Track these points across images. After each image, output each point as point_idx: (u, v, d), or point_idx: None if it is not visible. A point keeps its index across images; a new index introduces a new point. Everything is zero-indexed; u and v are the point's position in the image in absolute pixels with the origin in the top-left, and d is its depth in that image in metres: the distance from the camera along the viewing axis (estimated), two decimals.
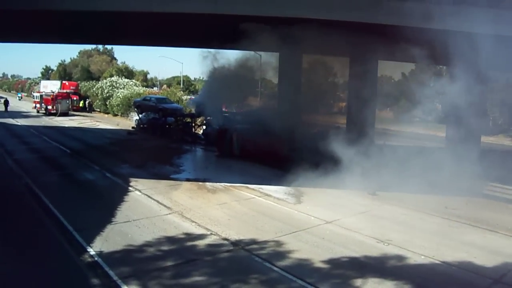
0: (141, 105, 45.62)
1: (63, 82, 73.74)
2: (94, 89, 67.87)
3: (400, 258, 13.49)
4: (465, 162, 19.29)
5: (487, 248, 14.37)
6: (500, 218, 17.69)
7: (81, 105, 67.05)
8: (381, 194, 20.56)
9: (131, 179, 22.39)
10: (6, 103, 65.38)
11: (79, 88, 71.79)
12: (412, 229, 16.18)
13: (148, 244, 13.85)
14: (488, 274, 12.55)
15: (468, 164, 19.28)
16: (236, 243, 14.27)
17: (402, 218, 17.67)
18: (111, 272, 11.80)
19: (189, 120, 39.55)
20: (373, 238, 15.08)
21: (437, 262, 13.22)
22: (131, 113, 52.71)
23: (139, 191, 20.35)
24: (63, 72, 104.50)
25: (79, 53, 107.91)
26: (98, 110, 66.02)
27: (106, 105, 62.93)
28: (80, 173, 24.02)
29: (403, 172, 19.19)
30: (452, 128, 24.83)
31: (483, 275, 12.49)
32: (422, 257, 13.52)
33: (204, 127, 38.11)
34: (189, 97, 57.48)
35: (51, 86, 67.47)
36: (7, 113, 59.62)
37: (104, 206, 17.97)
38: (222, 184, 22.18)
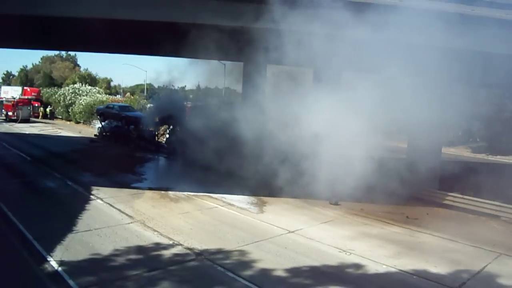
0: (104, 112, 45.11)
1: (25, 88, 72.52)
2: (56, 95, 66.96)
3: (361, 267, 13.65)
4: (424, 172, 19.61)
5: (447, 257, 14.65)
6: (460, 228, 18.03)
7: (47, 111, 66.15)
8: (343, 204, 20.76)
9: (93, 187, 22.13)
10: None
11: (41, 94, 70.77)
12: (373, 238, 16.40)
13: (110, 254, 13.70)
14: (449, 283, 12.81)
15: (427, 174, 19.62)
16: (199, 253, 14.24)
17: (363, 227, 17.88)
18: (71, 282, 11.64)
19: (151, 128, 39.34)
20: (335, 247, 15.23)
21: (397, 271, 13.41)
22: (94, 121, 52.19)
23: (101, 199, 20.14)
24: (25, 78, 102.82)
25: (41, 59, 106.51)
26: (60, 117, 65.16)
27: (68, 112, 62.14)
28: (40, 181, 23.64)
29: (364, 182, 19.39)
30: (413, 139, 25.17)
31: (444, 284, 12.75)
32: (384, 266, 13.71)
33: (168, 135, 37.95)
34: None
35: (12, 92, 66.35)
36: None
37: (65, 214, 17.71)
38: (185, 193, 22.10)
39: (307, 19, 17.04)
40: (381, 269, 13.55)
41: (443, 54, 16.95)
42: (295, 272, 13.08)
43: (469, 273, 13.55)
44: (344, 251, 14.90)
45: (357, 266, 13.72)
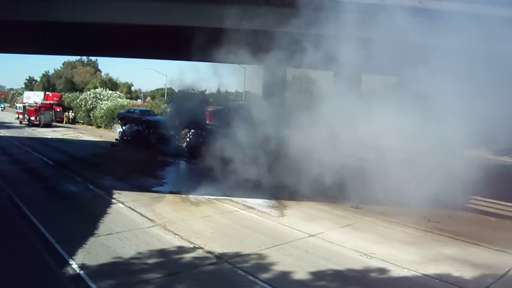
0: (125, 117, 45.36)
1: (47, 93, 73.28)
2: (77, 100, 67.52)
3: (383, 271, 13.53)
4: (447, 175, 19.39)
5: (470, 261, 14.45)
6: (482, 231, 17.81)
7: (71, 116, 66.81)
8: (364, 207, 20.63)
9: (114, 191, 22.27)
10: None
11: (62, 99, 71.43)
12: (395, 242, 16.24)
13: (131, 257, 13.77)
14: (472, 287, 12.63)
15: (450, 177, 19.40)
16: (219, 256, 14.24)
17: (385, 231, 17.74)
18: (93, 285, 11.71)
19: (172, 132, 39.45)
20: (356, 251, 15.12)
21: (419, 275, 13.27)
22: (115, 125, 52.45)
23: (122, 203, 20.25)
24: (47, 83, 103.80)
25: (63, 64, 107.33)
26: (82, 121, 65.67)
27: (89, 116, 62.61)
28: (62, 185, 23.84)
29: (385, 185, 19.24)
30: (434, 140, 24.94)
31: None
32: (405, 270, 13.57)
33: (188, 139, 38.03)
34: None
35: (34, 97, 67.10)
36: None
37: (87, 218, 17.85)
38: (206, 196, 22.15)
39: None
40: (403, 273, 13.41)
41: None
42: (316, 275, 13.01)
43: (493, 277, 13.34)
44: (366, 254, 14.79)
45: (379, 270, 13.60)
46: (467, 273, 13.43)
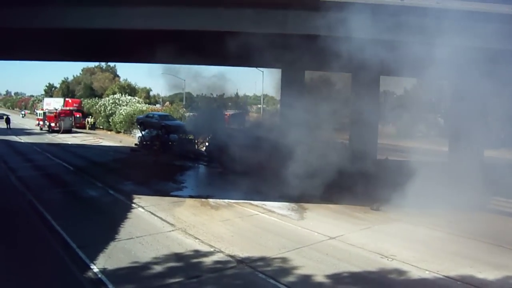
0: (144, 122, 45.52)
1: (66, 99, 74.02)
2: (97, 106, 68.07)
3: (404, 273, 13.45)
4: (468, 176, 19.25)
5: (492, 263, 14.29)
6: (505, 232, 17.63)
7: (90, 122, 67.48)
8: (385, 209, 20.52)
9: (134, 196, 22.39)
10: (7, 120, 65.55)
11: (82, 105, 72.06)
12: (416, 244, 16.10)
13: (151, 261, 13.83)
14: None
15: (471, 178, 19.24)
16: (240, 260, 14.25)
17: (406, 233, 17.60)
18: None
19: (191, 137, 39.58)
20: (377, 253, 15.05)
21: (441, 277, 13.17)
22: (134, 130, 52.75)
23: (142, 208, 20.35)
24: (66, 90, 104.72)
25: (82, 70, 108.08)
26: (101, 127, 66.14)
27: (109, 122, 63.05)
28: (83, 190, 24.05)
29: (406, 187, 19.13)
30: (454, 142, 24.82)
31: None
32: (427, 272, 13.48)
33: (207, 143, 38.11)
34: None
35: (54, 104, 67.80)
36: (10, 130, 59.84)
37: (107, 223, 17.98)
38: (225, 200, 22.18)
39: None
40: (425, 275, 13.32)
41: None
42: (337, 278, 12.97)
43: None
44: (386, 257, 14.71)
45: (400, 272, 13.52)
46: (490, 275, 13.29)
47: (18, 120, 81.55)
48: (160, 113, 50.38)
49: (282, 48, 20.13)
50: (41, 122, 63.81)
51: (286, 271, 13.47)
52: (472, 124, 19.77)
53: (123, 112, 59.26)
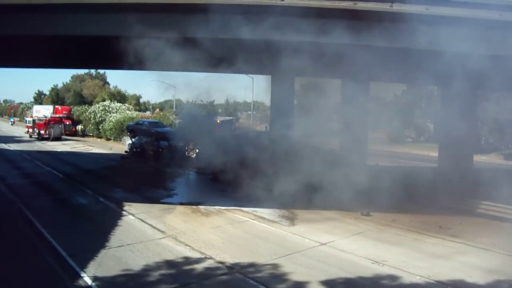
0: (134, 129, 45.46)
1: (56, 106, 73.89)
2: (86, 113, 67.87)
3: (395, 278, 13.49)
4: (457, 181, 19.35)
5: (483, 267, 14.37)
6: (495, 237, 17.71)
7: (80, 129, 67.36)
8: (375, 215, 20.58)
9: (125, 203, 22.31)
10: None
11: (71, 112, 71.87)
12: (407, 249, 16.19)
13: (142, 269, 13.78)
14: None
15: (460, 183, 19.34)
16: (231, 267, 14.23)
17: (396, 238, 17.68)
18: None
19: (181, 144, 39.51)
20: (368, 259, 15.08)
21: (432, 281, 13.21)
22: (124, 138, 52.63)
23: (133, 215, 20.29)
24: (56, 97, 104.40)
25: (71, 77, 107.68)
26: (91, 134, 65.93)
27: (98, 129, 62.87)
28: (73, 198, 23.93)
29: (396, 193, 19.20)
30: (444, 147, 24.96)
31: None
32: (417, 277, 13.52)
33: (197, 150, 38.06)
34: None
35: (44, 111, 67.58)
36: None
37: (98, 230, 17.89)
38: (216, 207, 22.15)
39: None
40: (415, 280, 13.36)
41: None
42: (328, 284, 12.98)
43: (508, 283, 13.27)
44: (377, 262, 14.74)
45: (391, 277, 13.56)
46: (480, 279, 13.36)
47: (7, 127, 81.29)
48: (150, 120, 50.35)
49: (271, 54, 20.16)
50: (30, 130, 63.60)
51: (278, 277, 13.46)
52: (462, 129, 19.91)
53: (113, 119, 59.09)
